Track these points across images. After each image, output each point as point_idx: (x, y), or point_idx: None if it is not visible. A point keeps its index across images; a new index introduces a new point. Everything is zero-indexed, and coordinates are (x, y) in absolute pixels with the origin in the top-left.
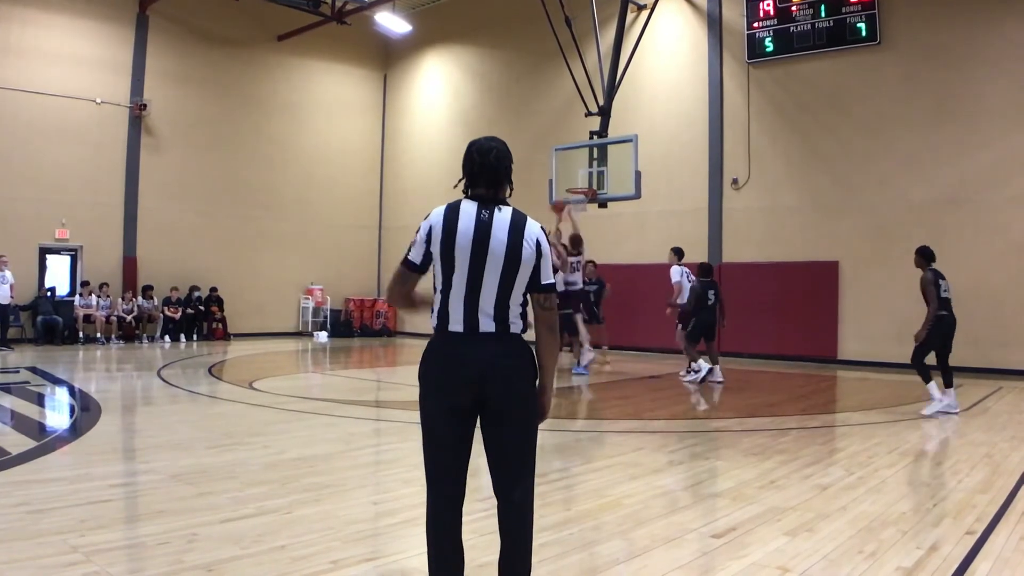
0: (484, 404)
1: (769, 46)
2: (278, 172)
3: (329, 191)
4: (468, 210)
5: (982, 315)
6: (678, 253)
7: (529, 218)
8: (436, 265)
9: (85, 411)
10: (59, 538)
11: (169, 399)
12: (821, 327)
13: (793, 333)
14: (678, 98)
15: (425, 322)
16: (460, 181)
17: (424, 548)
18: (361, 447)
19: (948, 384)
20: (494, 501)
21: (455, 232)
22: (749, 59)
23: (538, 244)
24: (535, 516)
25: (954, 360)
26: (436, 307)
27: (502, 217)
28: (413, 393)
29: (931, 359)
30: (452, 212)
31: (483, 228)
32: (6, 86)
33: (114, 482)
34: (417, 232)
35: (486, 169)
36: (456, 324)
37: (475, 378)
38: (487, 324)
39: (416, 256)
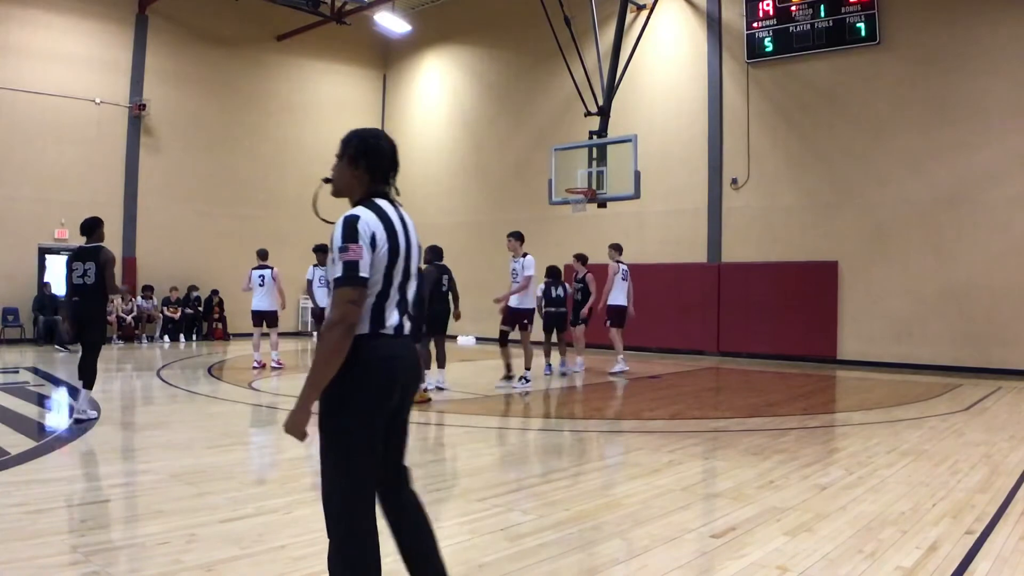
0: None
1: (769, 46)
2: (277, 172)
3: (328, 191)
4: (390, 211)
5: (982, 315)
6: (617, 250)
7: None
8: (376, 272)
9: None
10: (58, 538)
11: (168, 399)
12: (820, 327)
13: (792, 333)
14: (677, 98)
15: None
16: (345, 167)
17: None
18: None
19: None
20: (494, 501)
21: (396, 235)
22: (749, 59)
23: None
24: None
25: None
26: (368, 312)
27: (408, 216)
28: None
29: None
30: (382, 214)
31: (407, 229)
32: (5, 86)
33: (113, 482)
34: (351, 243)
35: (396, 164)
36: (389, 327)
37: (405, 379)
38: (408, 325)
39: (366, 270)
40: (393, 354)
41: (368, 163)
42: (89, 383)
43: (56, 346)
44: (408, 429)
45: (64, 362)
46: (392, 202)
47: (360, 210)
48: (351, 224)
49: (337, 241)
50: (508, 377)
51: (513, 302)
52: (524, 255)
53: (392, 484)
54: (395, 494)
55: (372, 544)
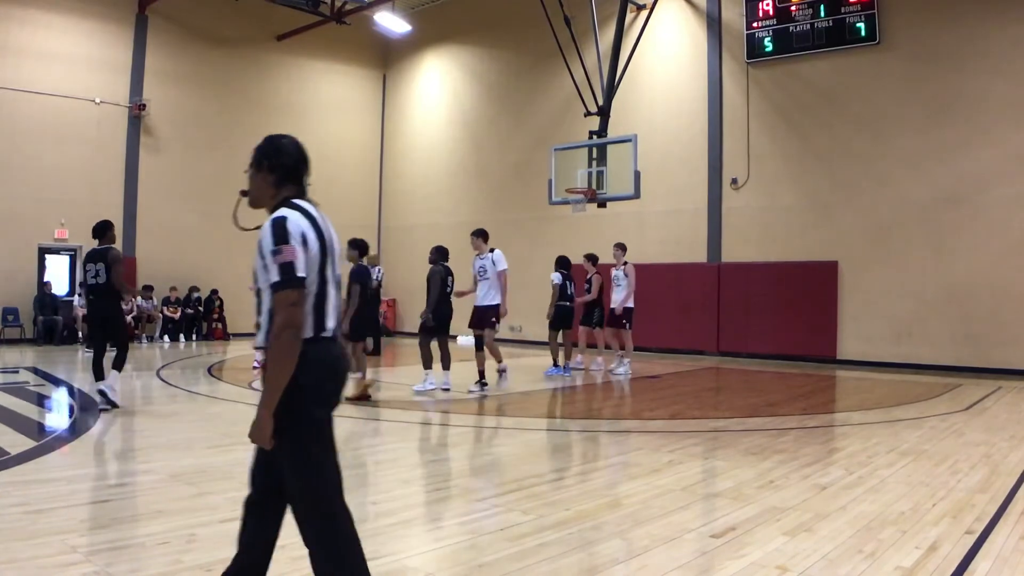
0: None
1: (768, 46)
2: None
3: (328, 191)
4: (312, 210)
5: (982, 315)
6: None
7: None
8: (311, 271)
9: (84, 411)
10: (58, 538)
11: (168, 399)
12: (820, 327)
13: (792, 333)
14: (677, 98)
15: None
16: (251, 171)
17: (423, 548)
18: (360, 447)
19: None
20: (494, 501)
21: (323, 234)
22: (748, 59)
23: None
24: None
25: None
26: (311, 314)
27: (326, 217)
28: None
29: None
30: (307, 213)
31: (330, 229)
32: (5, 86)
33: (113, 482)
34: (284, 244)
35: (306, 165)
36: (329, 330)
37: (344, 383)
38: (336, 328)
39: (303, 269)
40: (336, 357)
41: (271, 163)
42: (120, 367)
43: (84, 347)
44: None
45: (68, 362)
46: (311, 202)
47: (285, 211)
48: (280, 225)
49: (268, 245)
50: (500, 371)
51: (481, 301)
52: (491, 250)
53: (273, 498)
54: (272, 511)
55: (358, 544)
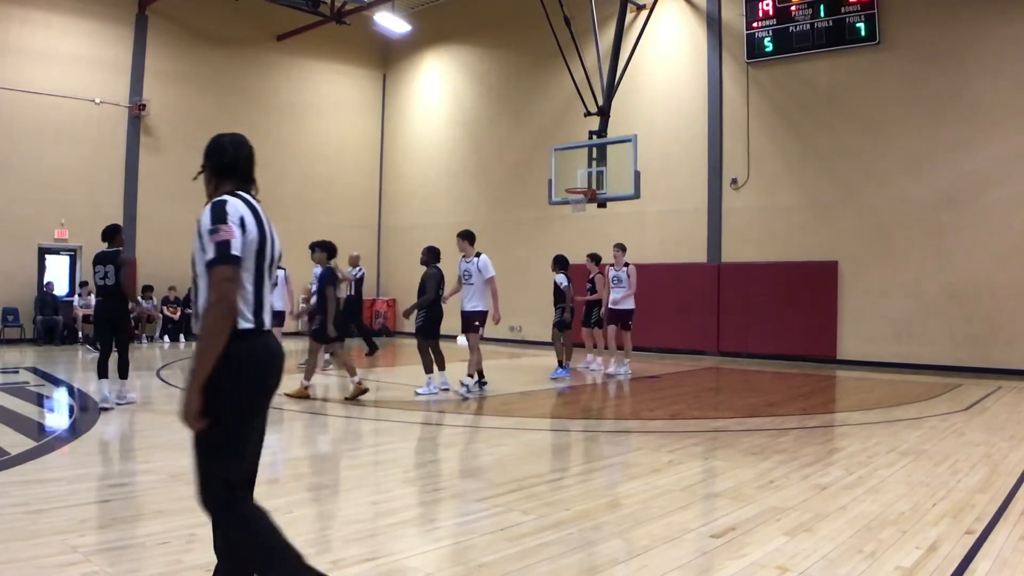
0: None
1: (768, 46)
2: (277, 172)
3: (328, 191)
4: (253, 202)
5: (982, 315)
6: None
7: None
8: (248, 258)
9: (84, 411)
10: (58, 538)
11: (168, 399)
12: (820, 327)
13: (792, 333)
14: (677, 98)
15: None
16: (199, 173)
17: (422, 548)
18: (360, 447)
19: None
20: (494, 501)
21: (262, 223)
22: (748, 59)
23: None
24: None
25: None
26: (249, 303)
27: (269, 217)
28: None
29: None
30: (247, 202)
31: (271, 226)
32: (5, 86)
33: (113, 482)
34: (221, 224)
35: (246, 161)
36: (265, 320)
37: (279, 377)
38: (271, 319)
39: (238, 249)
40: (272, 351)
41: (211, 162)
42: (125, 374)
43: (87, 347)
44: (264, 431)
45: (68, 362)
46: (255, 198)
47: (225, 197)
48: (219, 207)
49: (206, 224)
50: (481, 383)
51: (465, 305)
52: (478, 255)
53: (249, 480)
54: (246, 494)
55: (264, 519)
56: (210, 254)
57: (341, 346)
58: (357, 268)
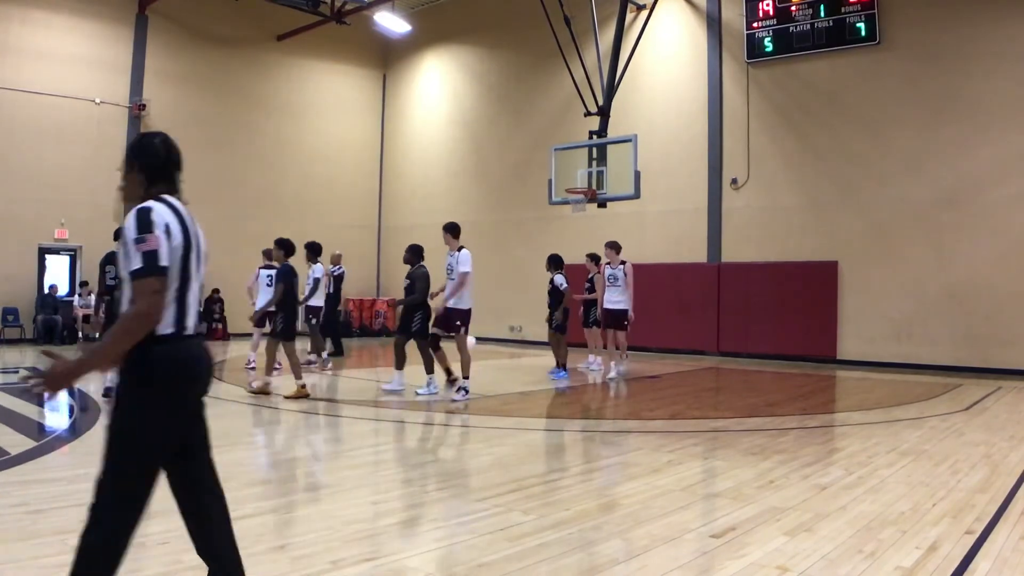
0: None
1: (768, 46)
2: (277, 172)
3: (328, 191)
4: (179, 206)
5: (982, 315)
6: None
7: None
8: (174, 265)
9: (84, 411)
10: (58, 538)
11: None
12: (820, 327)
13: (792, 333)
14: (677, 98)
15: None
16: (126, 172)
17: (422, 548)
18: (360, 447)
19: None
20: (494, 501)
21: (187, 229)
22: (748, 59)
23: None
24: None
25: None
26: (172, 310)
27: (194, 218)
28: (413, 394)
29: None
30: (172, 207)
31: (196, 229)
32: (5, 86)
33: None
34: (147, 233)
35: (176, 164)
36: (189, 327)
37: (205, 381)
38: (199, 324)
39: (165, 259)
40: (195, 356)
41: (140, 162)
42: None
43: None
44: (207, 423)
45: None
46: (180, 200)
47: (150, 203)
48: (145, 215)
49: (132, 233)
50: (451, 381)
51: (450, 302)
52: (460, 248)
53: (201, 481)
54: (208, 492)
55: (124, 541)
56: (136, 263)
57: (279, 342)
58: (337, 266)
